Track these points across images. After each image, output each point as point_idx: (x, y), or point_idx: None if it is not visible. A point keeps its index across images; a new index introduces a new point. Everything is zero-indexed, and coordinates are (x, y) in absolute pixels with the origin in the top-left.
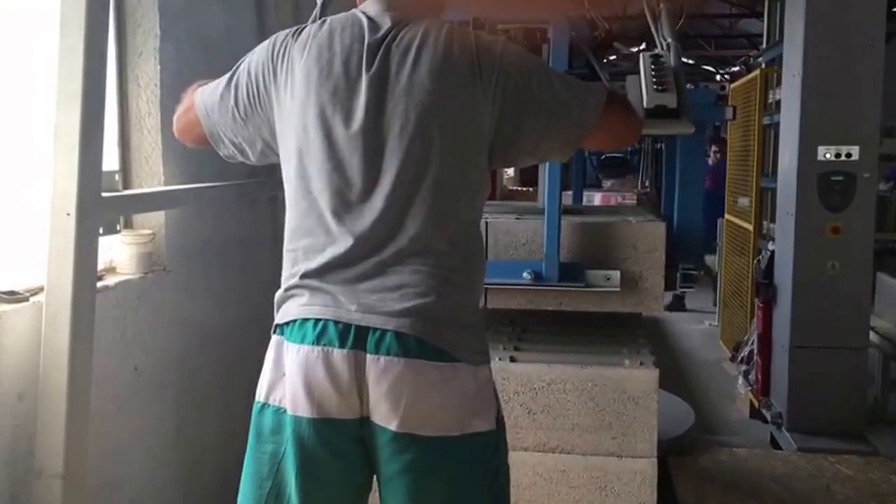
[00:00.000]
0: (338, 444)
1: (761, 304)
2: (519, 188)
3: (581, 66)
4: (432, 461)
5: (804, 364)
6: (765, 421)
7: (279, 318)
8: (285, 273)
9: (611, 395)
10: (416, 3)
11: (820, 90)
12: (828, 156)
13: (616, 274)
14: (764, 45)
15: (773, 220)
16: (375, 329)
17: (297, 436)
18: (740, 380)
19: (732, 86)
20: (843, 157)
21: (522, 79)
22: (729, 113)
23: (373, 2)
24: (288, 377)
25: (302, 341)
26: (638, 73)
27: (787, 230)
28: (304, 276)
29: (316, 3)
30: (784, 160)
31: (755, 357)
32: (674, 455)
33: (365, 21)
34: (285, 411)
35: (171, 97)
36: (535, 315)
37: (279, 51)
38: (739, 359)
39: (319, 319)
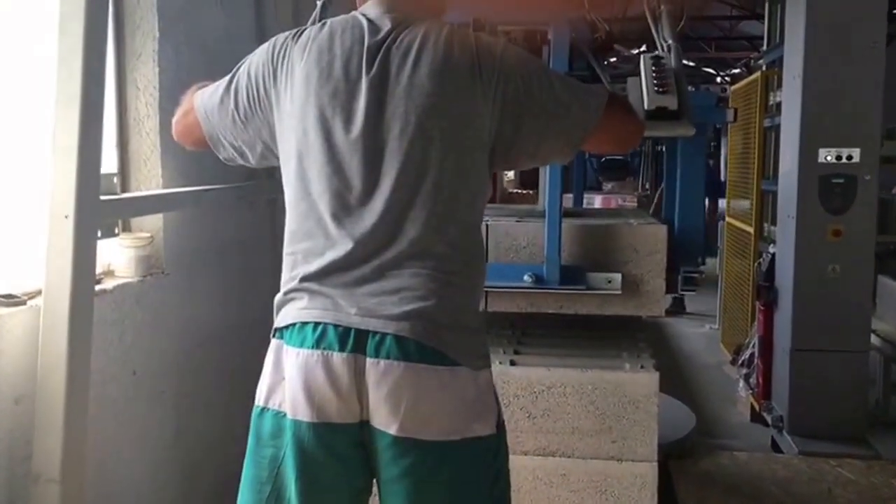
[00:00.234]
0: (338, 447)
1: (762, 307)
2: (519, 191)
3: (581, 67)
4: (432, 465)
5: (805, 367)
6: (766, 424)
7: (278, 321)
8: (285, 276)
9: (611, 398)
10: (417, 5)
11: (821, 92)
12: (829, 158)
13: (617, 277)
14: (764, 47)
15: (773, 222)
16: (375, 332)
17: (296, 440)
18: (741, 383)
19: (733, 88)
20: (843, 160)
21: (523, 81)
22: (730, 115)
23: (373, 4)
24: (287, 381)
25: (301, 345)
26: (639, 74)
27: (788, 233)
28: (304, 279)
29: (315, 5)
30: (785, 163)
31: (756, 360)
32: (674, 459)
33: (365, 23)
34: (285, 415)
35: (169, 99)
36: (534, 318)
37: (279, 53)
38: (740, 362)
39: (319, 323)
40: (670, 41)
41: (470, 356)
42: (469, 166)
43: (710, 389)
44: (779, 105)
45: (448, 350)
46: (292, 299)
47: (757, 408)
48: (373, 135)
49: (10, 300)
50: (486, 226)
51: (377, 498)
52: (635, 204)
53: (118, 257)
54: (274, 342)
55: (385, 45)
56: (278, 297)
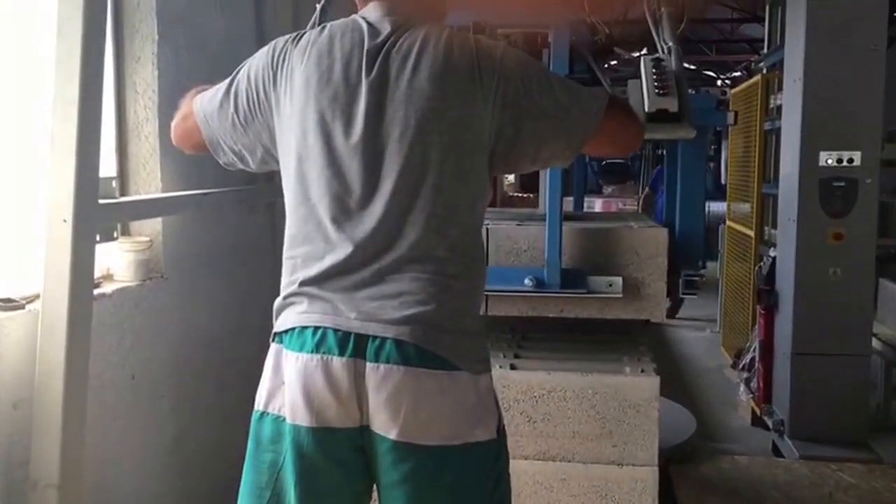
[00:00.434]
0: (337, 452)
1: (763, 311)
2: (519, 194)
3: (582, 70)
4: (433, 470)
5: (806, 371)
6: (766, 428)
7: (278, 326)
8: (284, 280)
9: (611, 402)
10: (417, 8)
11: (821, 95)
12: (829, 161)
13: (618, 280)
14: (765, 50)
15: (774, 226)
16: (375, 337)
17: (296, 445)
18: (742, 387)
19: (733, 91)
20: (844, 163)
21: (523, 83)
22: (730, 118)
23: (373, 7)
24: (287, 385)
25: (301, 349)
26: (639, 77)
27: (789, 236)
28: (303, 283)
29: (315, 9)
30: (785, 166)
31: (757, 364)
32: (675, 463)
33: (365, 26)
34: (284, 420)
35: (169, 103)
36: (535, 322)
37: (279, 57)
38: (741, 366)
39: (318, 327)
40: (671, 43)
41: (470, 360)
42: (469, 169)
43: (711, 393)
44: (779, 108)
45: (448, 354)
46: (292, 303)
47: (758, 412)
48: (373, 138)
49: (9, 304)
50: (487, 229)
51: (377, 503)
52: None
53: (117, 261)
54: (273, 346)
55: (385, 48)
56: (278, 301)
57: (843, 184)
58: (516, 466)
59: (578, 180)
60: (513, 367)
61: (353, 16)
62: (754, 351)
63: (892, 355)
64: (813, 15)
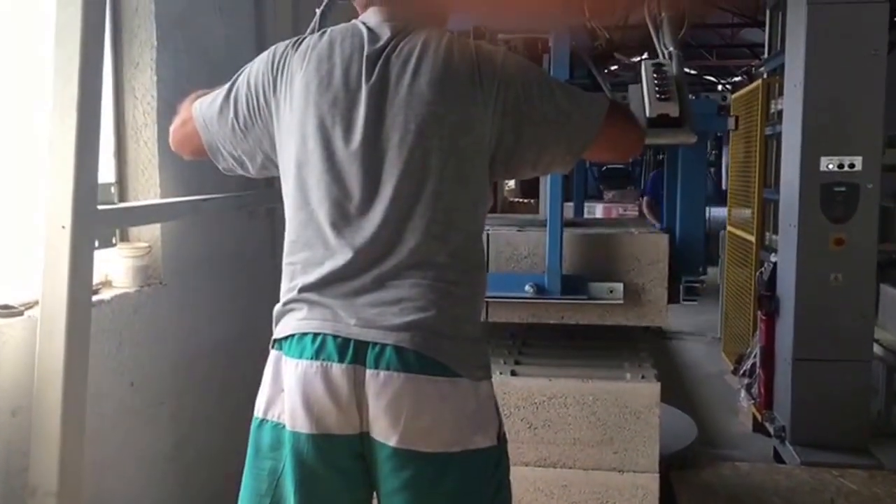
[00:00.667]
0: (337, 459)
1: (764, 317)
2: (520, 200)
3: (582, 76)
4: (433, 477)
5: (807, 377)
6: (768, 434)
7: (277, 332)
8: (284, 287)
9: (612, 409)
10: (417, 13)
11: (822, 100)
12: (830, 167)
13: (619, 286)
14: (766, 55)
15: (775, 231)
16: (375, 343)
17: (296, 452)
18: (743, 393)
19: (734, 96)
20: (845, 168)
21: (524, 88)
22: (731, 123)
23: (373, 12)
24: (287, 392)
25: (300, 356)
26: (640, 82)
27: (790, 242)
28: (303, 289)
29: (315, 14)
30: (786, 171)
31: (758, 370)
32: (676, 469)
33: (365, 31)
34: (284, 427)
35: (167, 108)
36: (535, 328)
37: (279, 62)
38: (742, 372)
39: (318, 334)
40: (671, 48)
41: (470, 367)
42: (469, 174)
43: (712, 399)
44: (780, 113)
45: (448, 361)
46: (291, 310)
47: (759, 418)
48: (372, 143)
49: (7, 311)
50: (487, 235)
51: None
52: (636, 212)
53: (116, 267)
54: (273, 353)
55: (385, 53)
56: (277, 307)
57: (844, 189)
58: (517, 473)
59: (579, 185)
60: (513, 374)
61: (353, 21)
62: (755, 357)
63: (893, 361)
64: (813, 20)
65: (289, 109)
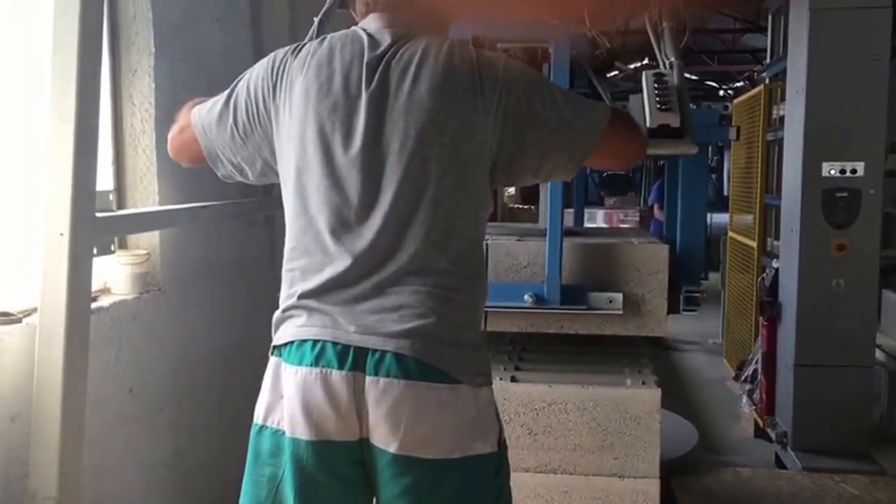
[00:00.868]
0: (337, 466)
1: (765, 322)
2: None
3: (583, 85)
4: (433, 484)
5: (809, 382)
6: (769, 440)
7: (277, 339)
8: (283, 293)
9: (612, 415)
10: (418, 20)
11: (824, 106)
12: (832, 172)
13: (619, 296)
14: (768, 60)
15: (777, 237)
16: (375, 350)
17: (295, 458)
18: (744, 398)
19: (736, 101)
20: (847, 174)
21: (525, 95)
22: (732, 133)
23: (373, 19)
24: (286, 399)
25: (300, 363)
26: (640, 92)
27: (792, 247)
28: (302, 296)
29: (312, 22)
30: (788, 177)
31: (759, 376)
32: (677, 475)
33: (365, 38)
34: (283, 433)
35: (166, 116)
36: (536, 333)
37: (278, 68)
38: (743, 377)
39: (318, 341)
40: (672, 58)
41: (471, 374)
42: (470, 181)
43: (713, 405)
44: (782, 118)
45: (449, 368)
46: (291, 317)
47: (760, 423)
48: (372, 150)
49: (6, 318)
50: (486, 244)
51: None
52: (637, 218)
53: (115, 274)
54: (272, 360)
55: (385, 59)
56: (277, 314)
57: (846, 194)
58: (517, 479)
59: (579, 192)
60: (513, 380)
61: (354, 27)
62: (757, 362)
63: (895, 366)
64: (816, 25)
65: (288, 116)
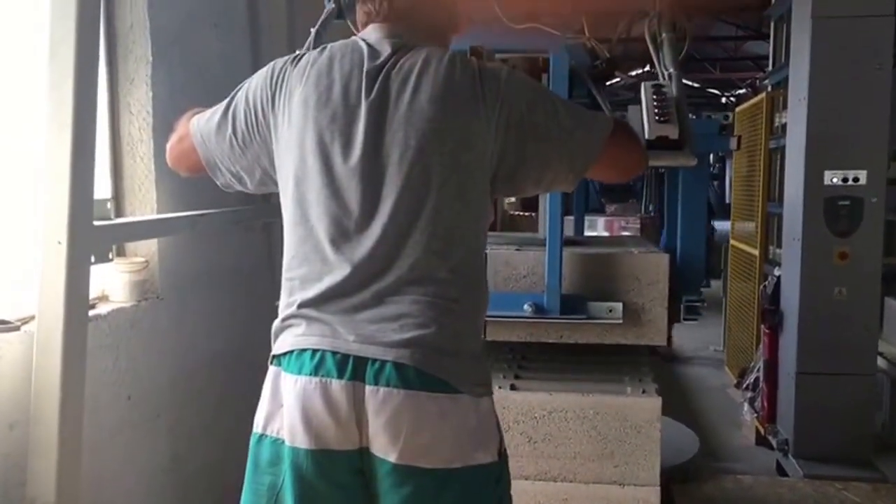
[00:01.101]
0: (337, 475)
1: (767, 330)
2: (520, 213)
3: (582, 95)
4: (433, 493)
5: (811, 390)
6: (771, 448)
7: (276, 348)
8: (283, 302)
9: (613, 423)
10: (418, 30)
11: (826, 114)
12: (835, 180)
13: (619, 306)
14: (770, 68)
15: (779, 245)
16: (374, 360)
17: (295, 467)
18: (746, 406)
19: (738, 109)
20: (850, 182)
21: (527, 105)
22: (732, 143)
23: (373, 29)
24: (286, 408)
25: (299, 372)
26: (639, 103)
27: (794, 256)
28: (302, 305)
29: (310, 32)
30: (790, 185)
31: (761, 383)
32: (678, 483)
33: (365, 48)
34: (283, 442)
35: (163, 124)
36: (535, 343)
37: (278, 77)
38: (745, 385)
39: (317, 350)
40: (671, 69)
41: (471, 383)
42: (470, 190)
43: (715, 413)
44: (784, 126)
45: (449, 377)
46: (290, 326)
47: (762, 431)
48: (372, 160)
49: (4, 326)
50: (486, 254)
51: None
52: (638, 226)
53: (112, 282)
54: (272, 369)
55: (385, 69)
56: (276, 323)
57: (848, 203)
58: (517, 487)
59: (580, 199)
60: (513, 388)
61: (354, 37)
62: (758, 370)
63: None
64: (818, 33)
65: (287, 125)
